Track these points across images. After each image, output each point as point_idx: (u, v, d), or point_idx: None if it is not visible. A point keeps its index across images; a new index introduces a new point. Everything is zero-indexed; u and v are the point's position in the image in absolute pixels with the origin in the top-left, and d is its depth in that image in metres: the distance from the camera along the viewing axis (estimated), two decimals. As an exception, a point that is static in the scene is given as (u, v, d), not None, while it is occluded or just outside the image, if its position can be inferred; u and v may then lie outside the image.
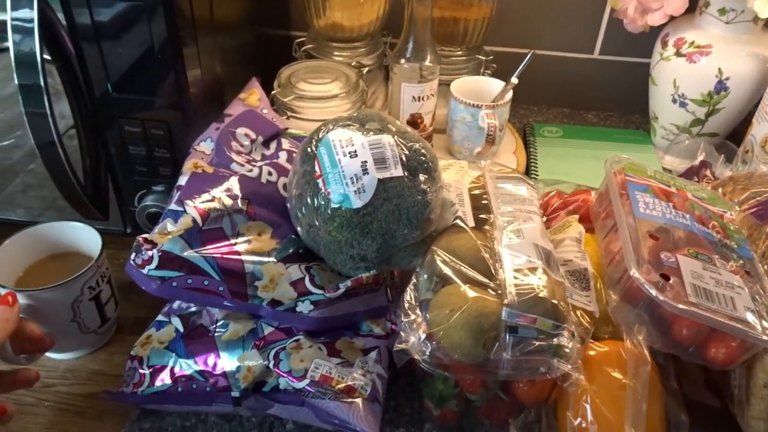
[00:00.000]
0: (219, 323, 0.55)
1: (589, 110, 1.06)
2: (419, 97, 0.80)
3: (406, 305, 0.50)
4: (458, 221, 0.55)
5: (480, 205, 0.57)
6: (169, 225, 0.53)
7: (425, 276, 0.52)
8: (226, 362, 0.53)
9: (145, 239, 0.52)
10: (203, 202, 0.54)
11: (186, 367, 0.53)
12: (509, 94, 0.82)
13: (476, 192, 0.59)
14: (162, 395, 0.53)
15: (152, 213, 0.69)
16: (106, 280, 0.62)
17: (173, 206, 0.54)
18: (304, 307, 0.53)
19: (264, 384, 0.53)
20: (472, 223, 0.55)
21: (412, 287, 0.52)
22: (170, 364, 0.54)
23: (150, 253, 0.51)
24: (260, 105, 0.69)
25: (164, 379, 0.53)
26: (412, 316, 0.49)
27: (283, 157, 0.63)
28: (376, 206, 0.50)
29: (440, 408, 0.54)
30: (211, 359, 0.53)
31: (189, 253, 0.51)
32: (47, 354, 0.62)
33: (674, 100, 0.87)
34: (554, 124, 1.00)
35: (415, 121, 0.82)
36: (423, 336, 0.48)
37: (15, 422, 0.57)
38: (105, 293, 0.62)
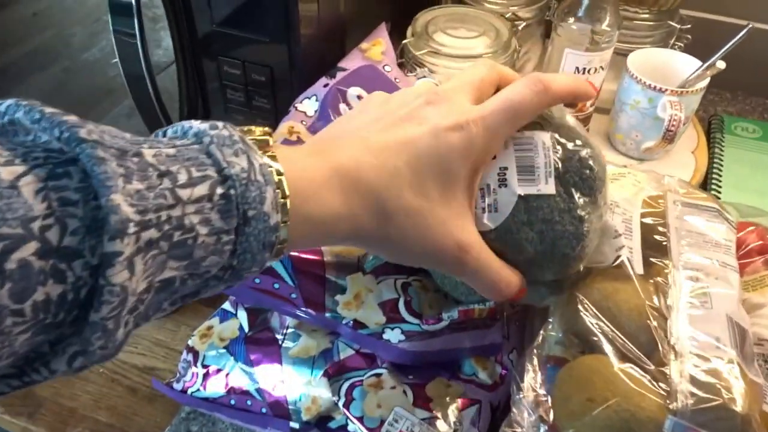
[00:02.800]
0: (289, 331, 0.45)
1: (801, 107, 0.82)
2: (585, 69, 0.63)
3: (527, 376, 0.37)
4: (623, 262, 0.40)
5: (653, 243, 0.41)
6: None
7: (560, 332, 0.38)
8: (289, 384, 0.43)
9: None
10: None
11: (244, 378, 0.44)
12: (705, 81, 0.63)
13: (650, 221, 0.43)
14: (213, 403, 0.45)
15: (244, 169, 0.60)
16: (180, 244, 0.54)
17: None
18: (392, 335, 0.41)
19: (330, 419, 0.42)
20: (640, 269, 0.39)
21: (537, 347, 0.38)
22: (227, 369, 0.45)
23: None
24: (383, 60, 0.56)
25: (217, 385, 0.45)
26: (531, 394, 0.36)
27: None
28: (510, 231, 0.36)
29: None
30: (273, 375, 0.43)
31: None
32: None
33: None
34: (751, 120, 0.78)
35: (573, 98, 0.65)
36: (544, 428, 0.34)
37: (65, 386, 0.52)
38: (177, 258, 0.54)
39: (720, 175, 0.69)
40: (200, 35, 0.54)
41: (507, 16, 0.68)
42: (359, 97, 0.51)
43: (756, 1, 0.75)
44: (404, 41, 0.64)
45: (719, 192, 0.66)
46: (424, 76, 0.34)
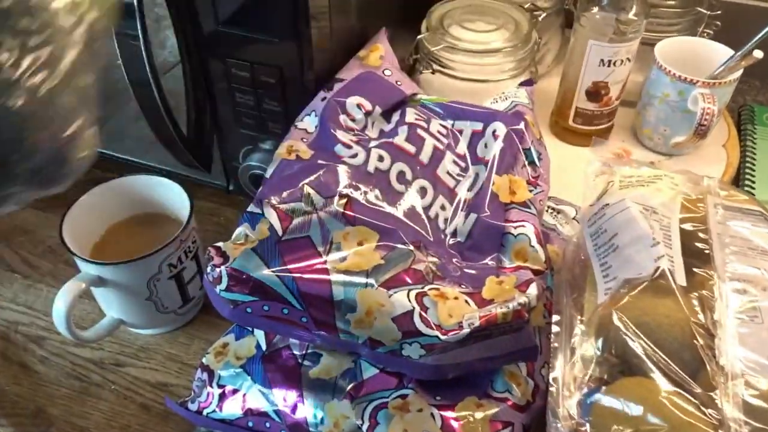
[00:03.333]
0: (309, 351, 0.43)
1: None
2: (610, 62, 0.60)
3: (562, 401, 0.34)
4: (664, 272, 0.37)
5: (695, 251, 0.39)
6: (246, 231, 0.40)
7: (596, 351, 0.36)
8: (310, 407, 0.41)
9: (218, 249, 0.40)
10: (287, 201, 0.41)
11: (261, 399, 0.42)
12: (739, 72, 0.59)
13: (690, 227, 0.40)
14: (229, 425, 0.43)
15: (256, 175, 0.58)
16: (192, 256, 0.51)
17: (251, 207, 0.41)
18: (412, 351, 0.39)
19: (354, 443, 0.40)
20: (682, 280, 0.37)
21: (571, 368, 0.35)
22: (243, 389, 0.43)
23: (218, 270, 0.39)
24: (382, 64, 0.53)
25: (234, 407, 0.43)
26: (569, 422, 0.33)
27: (402, 134, 0.48)
28: None
29: None
30: (292, 397, 0.41)
31: (262, 273, 0.38)
32: (124, 325, 0.54)
33: None
34: (784, 109, 0.75)
35: (597, 92, 0.62)
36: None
37: (76, 404, 0.51)
38: (189, 270, 0.52)
39: (753, 170, 0.65)
40: (205, 36, 0.51)
41: (526, 6, 0.65)
42: (359, 106, 0.48)
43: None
44: (419, 36, 0.61)
45: (753, 188, 0.63)
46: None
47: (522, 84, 0.57)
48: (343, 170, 0.43)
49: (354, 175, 0.43)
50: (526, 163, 0.49)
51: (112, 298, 0.50)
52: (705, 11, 0.66)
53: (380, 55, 0.54)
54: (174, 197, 0.53)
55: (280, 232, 0.40)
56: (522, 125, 0.49)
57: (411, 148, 0.47)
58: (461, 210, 0.46)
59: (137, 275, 0.48)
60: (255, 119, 0.55)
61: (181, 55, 0.54)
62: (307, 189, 0.41)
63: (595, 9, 0.59)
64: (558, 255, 0.50)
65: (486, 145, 0.49)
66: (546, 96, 0.70)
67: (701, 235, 0.40)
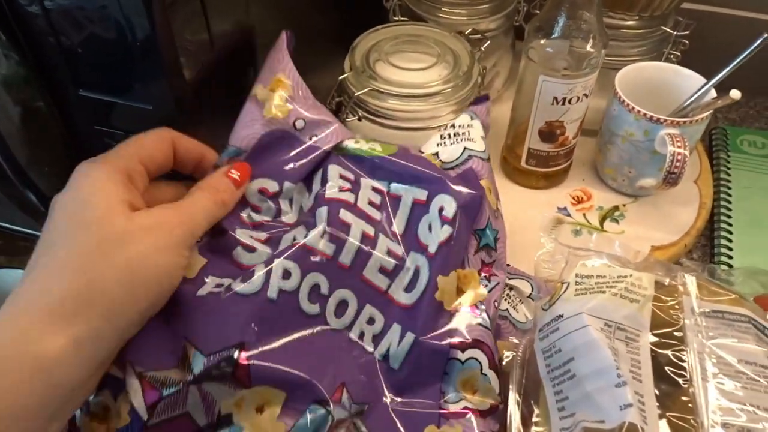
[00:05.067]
0: None
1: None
2: (565, 99, 0.51)
3: None
4: (633, 428, 0.29)
5: (670, 386, 0.31)
6: (106, 402, 0.31)
7: None
8: None
9: (73, 427, 0.31)
10: (157, 366, 0.31)
11: None
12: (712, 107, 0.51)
13: (664, 348, 0.32)
14: None
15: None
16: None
17: (114, 368, 0.31)
18: None
19: None
20: (655, 435, 0.29)
21: None
22: None
23: None
24: (291, 112, 0.40)
25: None
26: None
27: (320, 224, 0.37)
28: None
29: None
30: None
31: None
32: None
33: None
34: (760, 132, 0.67)
35: (552, 132, 0.54)
36: None
37: None
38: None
39: (729, 209, 0.58)
40: (67, 101, 0.41)
41: (467, 32, 0.56)
42: (262, 192, 0.38)
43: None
44: (341, 77, 0.51)
45: (730, 233, 0.55)
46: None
47: (475, 103, 0.48)
48: (234, 306, 0.33)
49: (251, 311, 0.33)
50: (479, 247, 0.40)
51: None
52: (670, 30, 0.57)
53: (287, 94, 0.40)
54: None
55: (144, 416, 0.30)
56: (477, 197, 0.40)
57: (328, 249, 0.37)
58: (396, 322, 0.37)
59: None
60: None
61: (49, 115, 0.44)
62: (185, 345, 0.32)
63: (544, 40, 0.50)
64: (509, 351, 0.42)
65: (430, 228, 0.39)
66: (496, 126, 0.61)
67: (677, 358, 0.32)
